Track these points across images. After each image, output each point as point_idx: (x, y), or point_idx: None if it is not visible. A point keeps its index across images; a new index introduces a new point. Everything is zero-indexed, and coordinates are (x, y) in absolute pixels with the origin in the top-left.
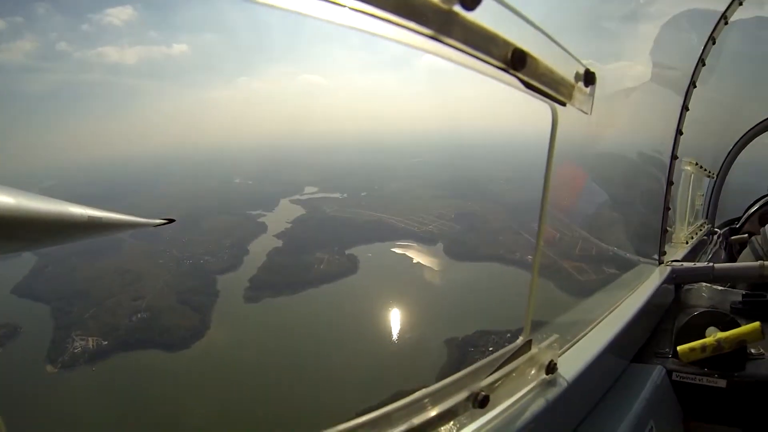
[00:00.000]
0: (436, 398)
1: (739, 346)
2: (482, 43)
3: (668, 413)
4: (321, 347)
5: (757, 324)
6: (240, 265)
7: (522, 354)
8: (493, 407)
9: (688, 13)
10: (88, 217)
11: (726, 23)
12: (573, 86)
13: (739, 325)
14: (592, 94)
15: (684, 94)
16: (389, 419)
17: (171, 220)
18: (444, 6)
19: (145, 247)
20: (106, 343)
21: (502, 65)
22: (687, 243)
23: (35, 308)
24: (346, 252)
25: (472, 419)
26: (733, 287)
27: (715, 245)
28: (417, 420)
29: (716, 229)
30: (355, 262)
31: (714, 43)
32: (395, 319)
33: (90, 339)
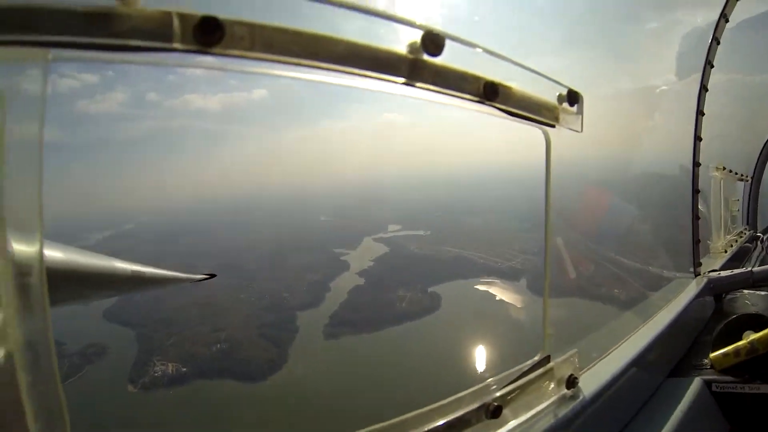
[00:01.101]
0: (448, 409)
1: None
2: (453, 82)
3: (710, 427)
4: (399, 385)
5: None
6: (321, 301)
7: (539, 368)
8: (508, 420)
9: (688, 16)
10: (132, 271)
11: (727, 21)
12: (557, 108)
13: None
14: (580, 113)
15: (697, 99)
16: (402, 427)
17: (212, 275)
18: (411, 56)
19: (229, 281)
20: (185, 369)
21: (476, 98)
22: (726, 252)
23: (122, 332)
24: (429, 290)
25: (486, 430)
26: None
27: (761, 251)
28: (428, 428)
29: (759, 234)
30: (438, 299)
31: (718, 44)
32: (476, 358)
33: (170, 364)
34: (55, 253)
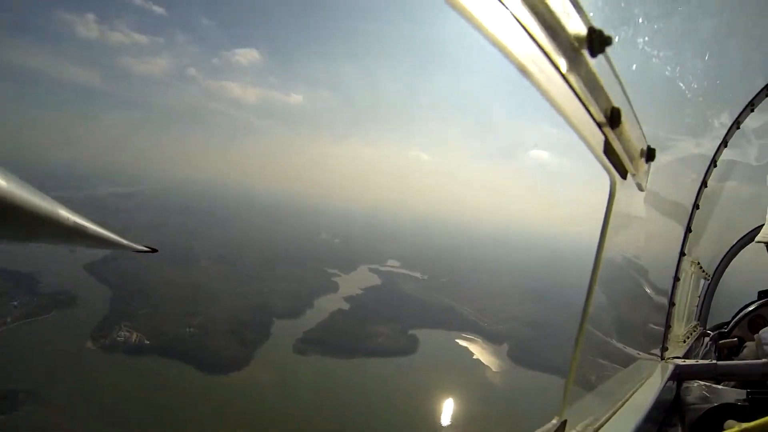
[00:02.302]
0: None
1: None
2: (593, 91)
3: None
4: (351, 418)
5: None
6: (301, 315)
7: None
8: None
9: (702, 117)
10: (74, 222)
11: (738, 128)
12: (637, 160)
13: (756, 418)
14: (648, 172)
15: (696, 193)
16: None
17: (154, 250)
18: (575, 43)
19: (217, 270)
20: (148, 342)
21: (602, 119)
22: (684, 342)
23: (98, 288)
24: (409, 332)
25: None
26: (731, 387)
27: (706, 347)
28: None
29: (708, 331)
30: (415, 343)
31: (726, 146)
32: (438, 412)
33: (135, 333)
34: None
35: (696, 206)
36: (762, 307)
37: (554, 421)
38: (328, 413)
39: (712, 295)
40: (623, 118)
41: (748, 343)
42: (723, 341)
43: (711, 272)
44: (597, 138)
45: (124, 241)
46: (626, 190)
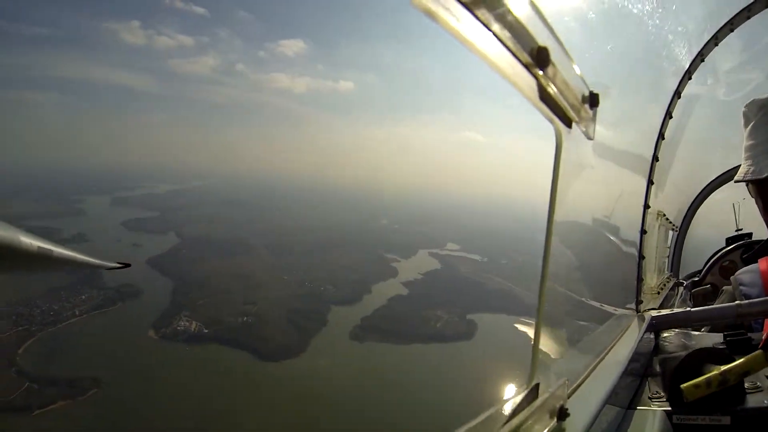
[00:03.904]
0: None
1: (743, 377)
2: (513, 30)
3: None
4: (405, 404)
5: (759, 352)
6: (358, 301)
7: (531, 401)
8: None
9: (653, 66)
10: (38, 248)
11: (690, 78)
12: (580, 106)
13: (734, 360)
14: (594, 119)
15: (654, 146)
16: None
17: (126, 265)
18: None
19: (274, 260)
20: (206, 331)
21: (528, 60)
22: (659, 293)
23: (160, 281)
24: (468, 316)
25: None
26: (708, 332)
27: (680, 297)
28: None
29: (682, 281)
30: (474, 328)
31: (679, 98)
32: (490, 397)
33: (194, 323)
34: None
35: (656, 158)
36: (731, 252)
37: (524, 387)
38: (385, 399)
39: (682, 245)
40: (552, 57)
41: (725, 287)
42: (696, 289)
43: (678, 223)
44: (528, 82)
45: (94, 261)
46: (574, 140)
